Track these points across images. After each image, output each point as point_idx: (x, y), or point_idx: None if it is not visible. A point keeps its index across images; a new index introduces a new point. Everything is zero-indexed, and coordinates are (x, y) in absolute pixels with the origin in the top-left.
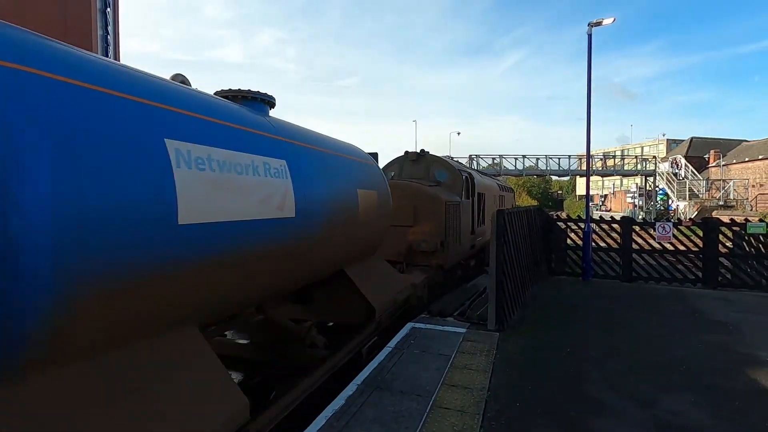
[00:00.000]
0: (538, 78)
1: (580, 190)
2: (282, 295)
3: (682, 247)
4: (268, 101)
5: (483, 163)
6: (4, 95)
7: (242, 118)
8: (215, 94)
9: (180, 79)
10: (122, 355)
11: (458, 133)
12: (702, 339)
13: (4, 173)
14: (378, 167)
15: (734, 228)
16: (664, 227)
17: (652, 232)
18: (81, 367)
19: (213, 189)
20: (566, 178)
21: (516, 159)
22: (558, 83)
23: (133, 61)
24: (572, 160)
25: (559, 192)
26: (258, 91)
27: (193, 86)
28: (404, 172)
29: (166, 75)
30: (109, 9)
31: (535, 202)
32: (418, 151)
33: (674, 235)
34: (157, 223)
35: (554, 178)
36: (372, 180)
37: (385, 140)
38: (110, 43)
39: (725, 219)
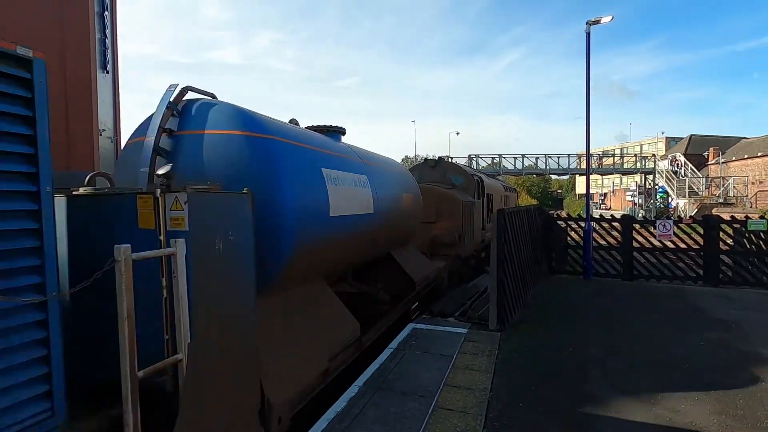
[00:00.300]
0: (537, 77)
1: (580, 188)
2: (356, 267)
3: (682, 245)
4: (342, 132)
5: (483, 163)
6: (272, 150)
7: (340, 149)
8: (307, 128)
9: (294, 121)
10: (304, 287)
11: (457, 133)
12: (703, 337)
13: (273, 190)
14: (412, 176)
15: (735, 225)
16: (664, 225)
17: (652, 230)
18: (292, 289)
19: (341, 196)
20: (566, 177)
21: (515, 158)
22: (556, 81)
23: (132, 63)
24: (572, 159)
25: (559, 191)
26: (337, 126)
27: (197, 87)
28: (425, 176)
29: (168, 78)
30: (106, 12)
31: (534, 202)
32: (436, 158)
33: (675, 233)
34: (322, 215)
35: (554, 177)
36: (410, 186)
37: (385, 140)
38: (108, 45)
39: (725, 216)
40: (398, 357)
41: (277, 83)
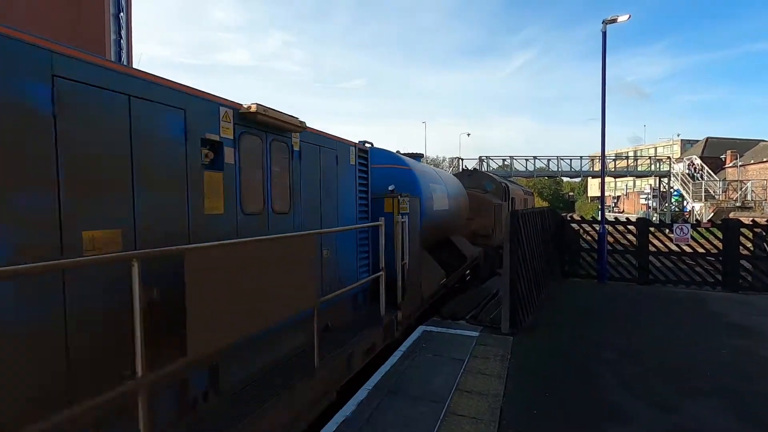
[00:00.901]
0: (547, 78)
1: (592, 191)
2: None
3: (700, 250)
4: (421, 156)
5: (493, 165)
6: (412, 177)
7: (428, 168)
8: (404, 154)
9: (366, 143)
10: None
11: (468, 135)
12: (724, 343)
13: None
14: (462, 185)
15: (756, 229)
16: (682, 229)
17: (669, 233)
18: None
19: (436, 199)
20: (578, 180)
21: (527, 160)
22: (567, 83)
23: (145, 66)
24: (584, 161)
25: (571, 193)
26: (421, 153)
27: (204, 88)
28: (464, 182)
29: (182, 80)
30: (122, 14)
31: (546, 204)
32: (471, 168)
33: (692, 237)
34: (429, 211)
35: (565, 179)
36: (462, 192)
37: (395, 141)
38: (123, 47)
39: (745, 220)
40: (409, 360)
41: (285, 84)
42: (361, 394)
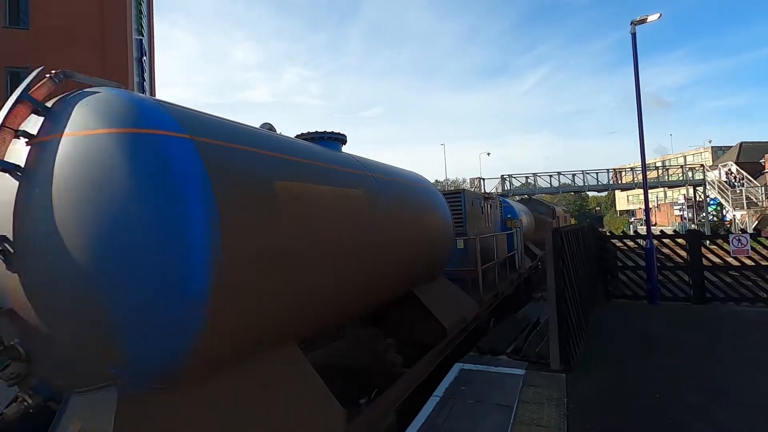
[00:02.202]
0: (564, 94)
1: (620, 205)
2: None
3: (764, 262)
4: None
5: (516, 183)
6: (511, 209)
7: (510, 201)
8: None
9: (267, 126)
10: None
11: (488, 154)
12: None
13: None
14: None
15: None
16: (740, 240)
17: (725, 246)
18: None
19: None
20: (604, 194)
21: (551, 176)
22: (582, 97)
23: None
24: (609, 174)
25: (597, 208)
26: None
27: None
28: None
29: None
30: (145, 58)
31: (573, 221)
32: (524, 197)
33: (752, 248)
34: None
35: (591, 194)
36: (528, 213)
37: (416, 165)
38: (146, 89)
39: None
40: (447, 409)
41: (304, 117)
42: None
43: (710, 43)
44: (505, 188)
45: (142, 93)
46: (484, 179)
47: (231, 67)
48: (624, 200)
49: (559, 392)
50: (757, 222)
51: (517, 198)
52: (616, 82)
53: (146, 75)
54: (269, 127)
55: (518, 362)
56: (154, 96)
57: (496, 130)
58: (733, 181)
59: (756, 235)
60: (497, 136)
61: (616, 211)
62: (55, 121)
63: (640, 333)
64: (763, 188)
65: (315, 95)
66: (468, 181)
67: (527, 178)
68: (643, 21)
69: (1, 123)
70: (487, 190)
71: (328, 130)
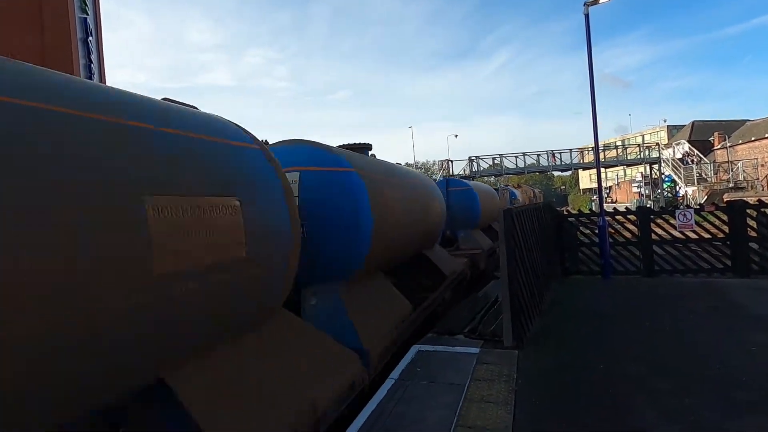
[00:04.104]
0: (528, 75)
1: (584, 183)
2: None
3: (706, 235)
4: (370, 147)
5: (483, 164)
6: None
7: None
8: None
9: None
10: None
11: (456, 136)
12: (754, 340)
13: None
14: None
15: (763, 209)
16: (685, 215)
17: (672, 221)
18: None
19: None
20: (568, 173)
21: (516, 157)
22: (549, 78)
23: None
24: (573, 154)
25: (562, 187)
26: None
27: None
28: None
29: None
30: (90, 38)
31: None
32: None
33: (696, 222)
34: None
35: (556, 173)
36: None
37: (385, 148)
38: (94, 71)
39: (751, 201)
40: (400, 392)
41: (270, 101)
42: None
43: (666, 24)
44: (473, 170)
45: (89, 75)
46: (452, 161)
47: (187, 49)
48: (587, 179)
49: (509, 368)
50: (706, 197)
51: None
52: (579, 63)
53: (93, 57)
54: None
55: (474, 341)
56: (104, 78)
57: (464, 112)
58: (687, 158)
59: (700, 209)
60: (465, 117)
61: (579, 189)
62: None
63: (591, 308)
64: (712, 165)
65: (281, 77)
66: (437, 163)
67: (494, 159)
68: (595, 2)
69: None
70: (455, 172)
71: (357, 141)
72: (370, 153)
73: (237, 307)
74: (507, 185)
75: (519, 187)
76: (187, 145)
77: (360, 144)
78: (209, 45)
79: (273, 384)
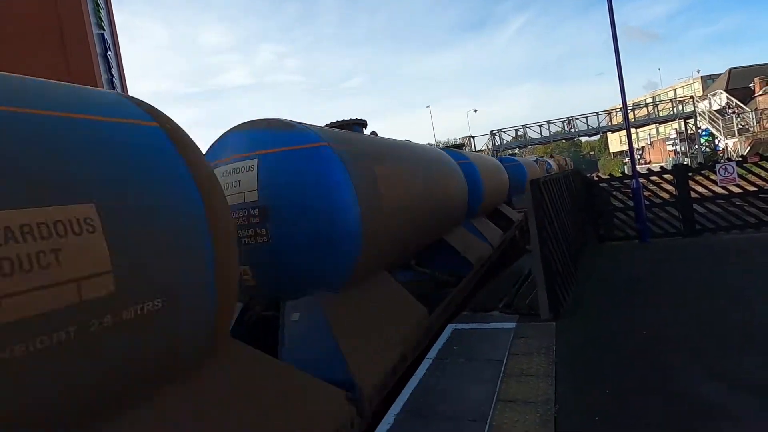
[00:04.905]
0: (548, 38)
1: (613, 147)
2: None
3: (751, 188)
4: (363, 124)
5: (507, 137)
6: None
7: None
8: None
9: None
10: None
11: (475, 111)
12: None
13: None
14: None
15: None
16: (726, 168)
17: (712, 176)
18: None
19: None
20: (596, 138)
21: (540, 126)
22: (570, 39)
23: (148, 99)
24: (600, 117)
25: (591, 153)
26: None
27: (210, 112)
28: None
29: (187, 110)
30: (110, 52)
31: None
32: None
33: (740, 176)
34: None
35: (583, 139)
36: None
37: (404, 130)
38: (117, 85)
39: None
40: (440, 370)
41: (285, 95)
42: (387, 420)
43: None
44: (495, 144)
45: (112, 89)
46: (473, 137)
47: (204, 52)
48: (617, 141)
49: (548, 341)
50: (749, 148)
51: (510, 152)
52: (601, 20)
53: (114, 70)
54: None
55: (510, 316)
56: (126, 90)
57: (483, 86)
58: (726, 108)
59: (742, 162)
60: (484, 91)
61: (609, 153)
62: None
63: (629, 273)
64: (753, 113)
65: (294, 71)
66: (459, 140)
67: (517, 131)
68: None
69: None
70: (478, 148)
71: (354, 117)
72: (365, 131)
73: (456, 213)
74: (541, 157)
75: (552, 157)
76: (443, 163)
77: (348, 120)
78: (224, 47)
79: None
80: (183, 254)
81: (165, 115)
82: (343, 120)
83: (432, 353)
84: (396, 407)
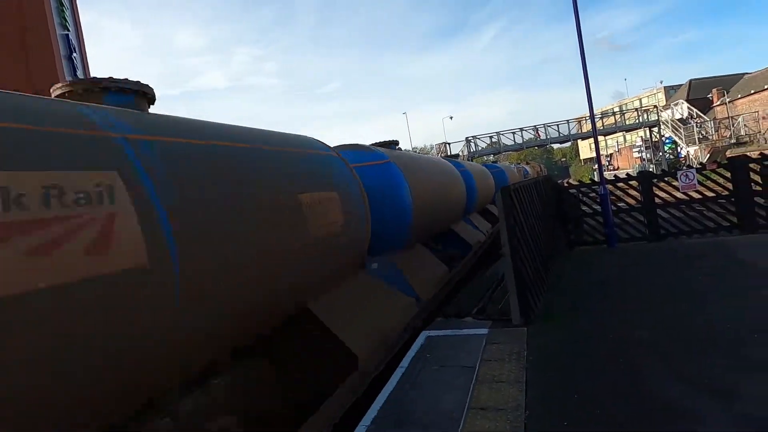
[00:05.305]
0: (522, 45)
1: (584, 153)
2: None
3: (710, 194)
4: (397, 143)
5: (481, 144)
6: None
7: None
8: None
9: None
10: None
11: (450, 118)
12: (764, 296)
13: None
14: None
15: (766, 163)
16: (687, 175)
17: (674, 182)
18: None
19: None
20: (568, 144)
21: (514, 133)
22: (543, 48)
23: None
24: (571, 125)
25: (563, 159)
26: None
27: (189, 115)
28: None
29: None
30: (74, 54)
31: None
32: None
33: (699, 182)
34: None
35: (555, 146)
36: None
37: (380, 136)
38: None
39: (752, 155)
40: (412, 377)
41: (262, 98)
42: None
43: None
44: (471, 150)
45: None
46: (449, 144)
47: (177, 55)
48: (587, 149)
49: (519, 346)
50: (709, 155)
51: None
52: (571, 31)
53: (79, 72)
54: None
55: (483, 321)
56: None
57: (460, 91)
58: (690, 120)
59: (701, 169)
60: (461, 97)
61: (580, 160)
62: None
63: (598, 278)
64: (712, 122)
65: (271, 74)
66: (435, 147)
67: (491, 137)
68: None
69: None
70: (454, 153)
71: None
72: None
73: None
74: (518, 164)
75: (528, 163)
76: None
77: (388, 141)
78: (199, 48)
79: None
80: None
81: (332, 148)
82: (385, 140)
83: (405, 362)
84: (367, 419)
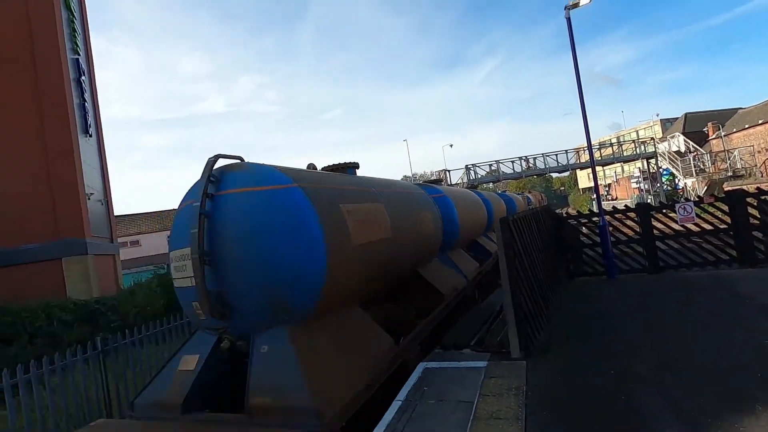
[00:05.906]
0: (518, 79)
1: (582, 183)
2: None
3: (708, 227)
4: (356, 166)
5: (481, 172)
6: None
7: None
8: (325, 168)
9: (312, 166)
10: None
11: (450, 146)
12: (764, 331)
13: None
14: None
15: (763, 197)
16: (685, 208)
17: (673, 215)
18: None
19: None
20: (566, 174)
21: (513, 162)
22: (539, 81)
23: (117, 126)
24: (570, 154)
25: (562, 188)
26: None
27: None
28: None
29: (159, 135)
30: (83, 77)
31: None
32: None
33: (697, 215)
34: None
35: (554, 175)
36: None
37: (380, 164)
38: (89, 109)
39: (749, 189)
40: (408, 412)
41: (262, 125)
42: None
43: (648, 21)
44: (470, 178)
45: (84, 114)
46: (449, 171)
47: (180, 80)
48: (585, 178)
49: (518, 381)
50: (706, 187)
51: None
52: (568, 64)
53: (87, 95)
54: (313, 166)
55: (481, 354)
56: (99, 117)
57: (458, 121)
58: (686, 151)
59: (699, 202)
60: (459, 126)
61: (579, 189)
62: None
63: (598, 310)
64: (708, 155)
65: (272, 101)
66: (435, 174)
67: (491, 165)
68: (575, 5)
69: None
70: (453, 181)
71: (346, 160)
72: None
73: (432, 247)
74: (521, 192)
75: (530, 192)
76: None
77: (342, 164)
78: (202, 74)
79: (444, 274)
80: (437, 229)
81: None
82: (339, 164)
83: (402, 394)
84: None
